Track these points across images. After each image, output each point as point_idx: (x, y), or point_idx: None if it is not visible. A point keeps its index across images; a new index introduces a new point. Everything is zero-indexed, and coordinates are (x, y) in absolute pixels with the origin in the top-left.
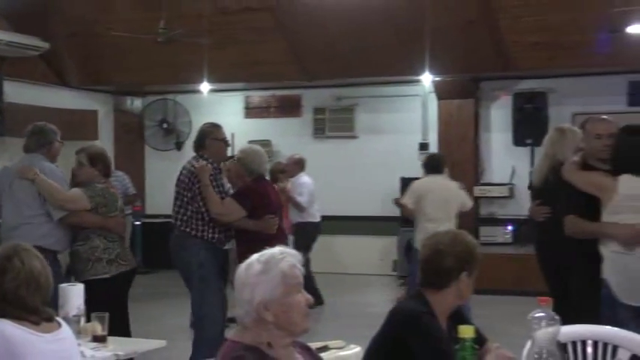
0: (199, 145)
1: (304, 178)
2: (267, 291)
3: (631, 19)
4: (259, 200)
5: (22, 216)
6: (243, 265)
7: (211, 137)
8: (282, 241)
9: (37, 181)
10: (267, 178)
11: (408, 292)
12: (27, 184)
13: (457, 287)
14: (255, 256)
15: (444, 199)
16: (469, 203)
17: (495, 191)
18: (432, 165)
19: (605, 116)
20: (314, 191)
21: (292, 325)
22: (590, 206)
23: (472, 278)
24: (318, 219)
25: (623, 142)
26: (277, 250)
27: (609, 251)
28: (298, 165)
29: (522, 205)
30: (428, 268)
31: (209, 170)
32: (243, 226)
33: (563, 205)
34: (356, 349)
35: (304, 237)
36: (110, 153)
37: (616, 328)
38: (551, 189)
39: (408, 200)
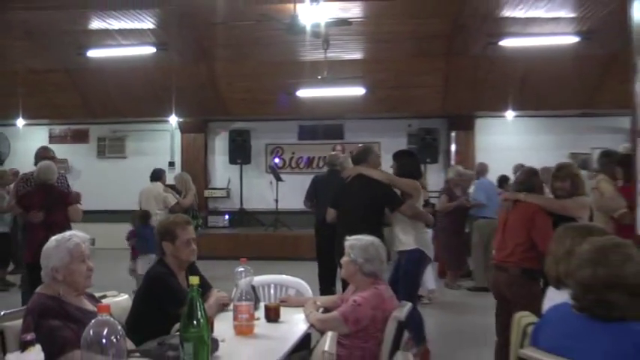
0: (34, 162)
1: None
2: (57, 260)
3: (299, 87)
4: (25, 200)
5: None
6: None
7: (40, 156)
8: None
9: None
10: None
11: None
12: None
13: (170, 253)
14: (55, 237)
15: (149, 199)
16: (169, 200)
17: (218, 193)
18: (152, 175)
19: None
20: None
21: (76, 284)
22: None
23: (177, 244)
24: None
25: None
26: (70, 232)
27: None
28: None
29: (235, 201)
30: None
31: (21, 179)
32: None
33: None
34: (125, 296)
35: None
36: None
37: (287, 276)
38: None
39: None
